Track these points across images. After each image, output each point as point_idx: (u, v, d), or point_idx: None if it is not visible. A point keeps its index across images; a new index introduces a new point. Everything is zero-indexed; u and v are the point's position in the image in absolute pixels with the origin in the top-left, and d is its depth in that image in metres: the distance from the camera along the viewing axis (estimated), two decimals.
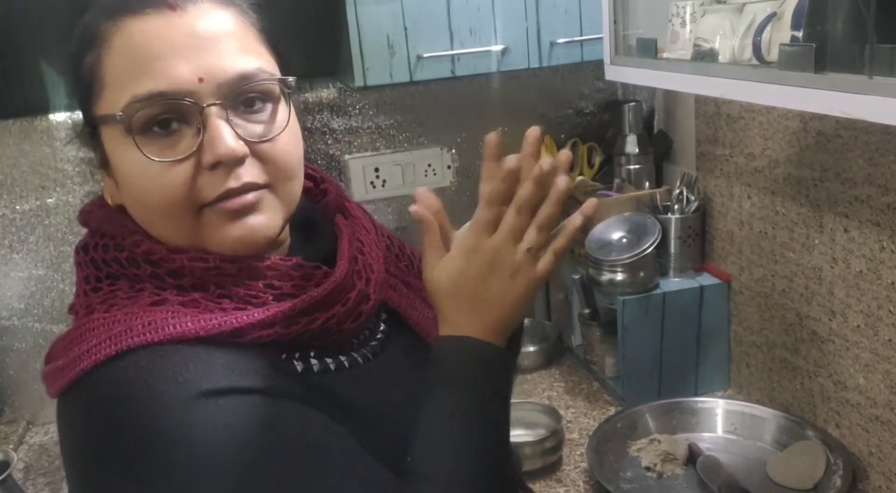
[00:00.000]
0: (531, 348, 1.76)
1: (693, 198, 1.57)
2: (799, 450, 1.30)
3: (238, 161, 0.67)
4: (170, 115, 0.66)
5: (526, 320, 2.12)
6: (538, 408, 1.50)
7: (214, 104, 0.66)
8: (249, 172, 0.68)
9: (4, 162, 1.61)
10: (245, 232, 0.69)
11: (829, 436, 1.30)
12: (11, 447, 1.60)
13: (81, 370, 0.64)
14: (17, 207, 1.64)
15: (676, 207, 1.58)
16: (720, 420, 1.44)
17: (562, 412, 1.51)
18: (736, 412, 1.43)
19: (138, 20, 0.66)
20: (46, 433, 1.70)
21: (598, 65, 1.30)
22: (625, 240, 1.54)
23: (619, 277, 1.52)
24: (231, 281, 0.70)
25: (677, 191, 1.59)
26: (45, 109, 1.60)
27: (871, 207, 1.15)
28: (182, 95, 0.65)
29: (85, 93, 0.69)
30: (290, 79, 0.72)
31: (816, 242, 1.28)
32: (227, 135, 0.66)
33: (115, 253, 0.71)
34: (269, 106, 0.70)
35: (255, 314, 0.68)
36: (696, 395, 1.54)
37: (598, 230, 1.57)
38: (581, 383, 1.69)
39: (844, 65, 0.77)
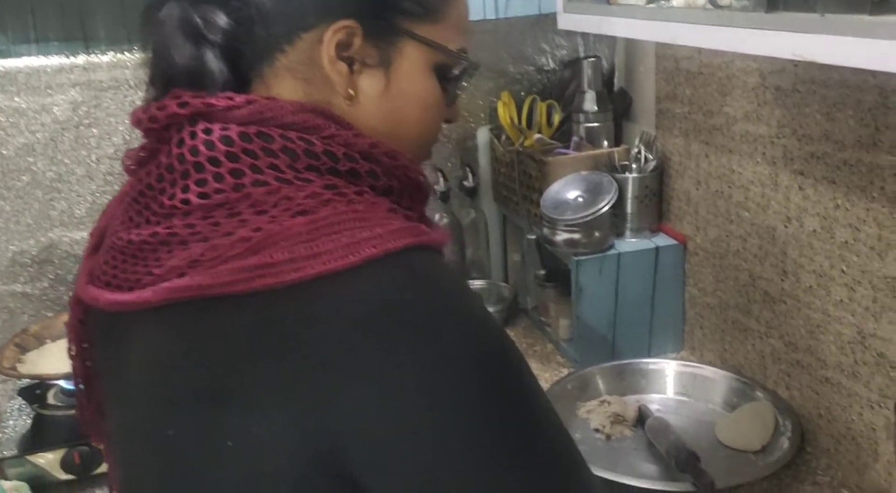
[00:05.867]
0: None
1: (651, 157, 1.54)
2: (748, 412, 1.28)
3: None
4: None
5: (482, 282, 2.05)
6: None
7: None
8: None
9: None
10: None
11: (778, 398, 1.29)
12: None
13: (368, 257, 0.57)
14: None
15: (634, 166, 1.54)
16: (671, 382, 1.42)
17: None
18: (687, 373, 1.42)
19: None
20: None
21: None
22: (581, 199, 1.50)
23: (575, 237, 1.48)
24: (415, 189, 0.70)
25: (635, 150, 1.55)
26: None
27: (827, 164, 1.12)
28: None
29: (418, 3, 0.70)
30: None
31: (771, 201, 1.25)
32: None
33: (307, 146, 0.62)
34: None
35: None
36: (650, 356, 1.52)
37: (554, 189, 1.53)
38: (535, 344, 1.67)
39: (797, 3, 0.73)
